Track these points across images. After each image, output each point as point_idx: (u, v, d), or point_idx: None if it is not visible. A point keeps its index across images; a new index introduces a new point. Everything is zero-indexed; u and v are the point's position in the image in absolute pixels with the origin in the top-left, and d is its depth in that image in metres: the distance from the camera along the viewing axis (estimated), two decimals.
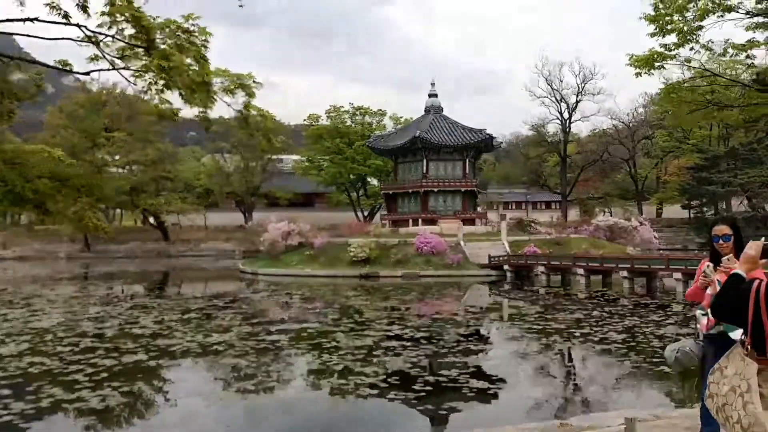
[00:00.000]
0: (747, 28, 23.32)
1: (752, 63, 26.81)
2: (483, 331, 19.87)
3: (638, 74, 23.41)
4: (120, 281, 39.37)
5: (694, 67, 25.88)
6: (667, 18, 22.38)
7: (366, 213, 79.65)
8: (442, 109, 52.01)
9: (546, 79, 74.49)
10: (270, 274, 41.46)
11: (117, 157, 73.70)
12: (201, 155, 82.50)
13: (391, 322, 20.16)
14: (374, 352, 14.86)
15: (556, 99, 74.98)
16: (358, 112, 77.22)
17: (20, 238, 73.17)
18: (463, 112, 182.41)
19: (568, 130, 76.19)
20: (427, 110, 52.03)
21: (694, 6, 21.99)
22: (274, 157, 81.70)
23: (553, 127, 77.91)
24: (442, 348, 15.48)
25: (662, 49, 23.09)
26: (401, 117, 76.82)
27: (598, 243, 42.86)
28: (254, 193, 79.49)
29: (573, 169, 79.36)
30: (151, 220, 73.59)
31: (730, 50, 23.77)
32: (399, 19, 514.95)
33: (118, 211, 74.12)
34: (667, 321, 19.50)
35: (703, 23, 22.26)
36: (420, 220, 47.89)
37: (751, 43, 23.50)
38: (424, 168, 48.56)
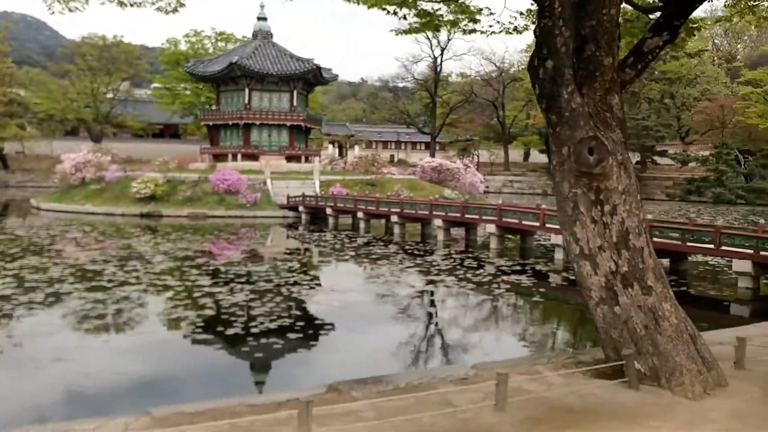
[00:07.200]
0: None
1: None
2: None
3: None
4: None
5: None
6: None
7: None
8: (272, 35, 47.52)
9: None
10: (52, 210, 37.60)
11: None
12: (45, 78, 74.72)
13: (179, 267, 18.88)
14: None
15: (427, 35, 71.41)
16: (220, 38, 71.65)
17: None
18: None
19: (439, 69, 73.08)
20: (255, 35, 47.53)
21: None
22: (129, 83, 75.53)
23: (424, 65, 74.73)
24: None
25: None
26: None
27: (416, 184, 40.26)
28: (107, 121, 73.46)
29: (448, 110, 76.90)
30: None
31: None
32: None
33: None
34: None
35: None
36: (240, 155, 44.12)
37: None
38: (246, 98, 44.40)
